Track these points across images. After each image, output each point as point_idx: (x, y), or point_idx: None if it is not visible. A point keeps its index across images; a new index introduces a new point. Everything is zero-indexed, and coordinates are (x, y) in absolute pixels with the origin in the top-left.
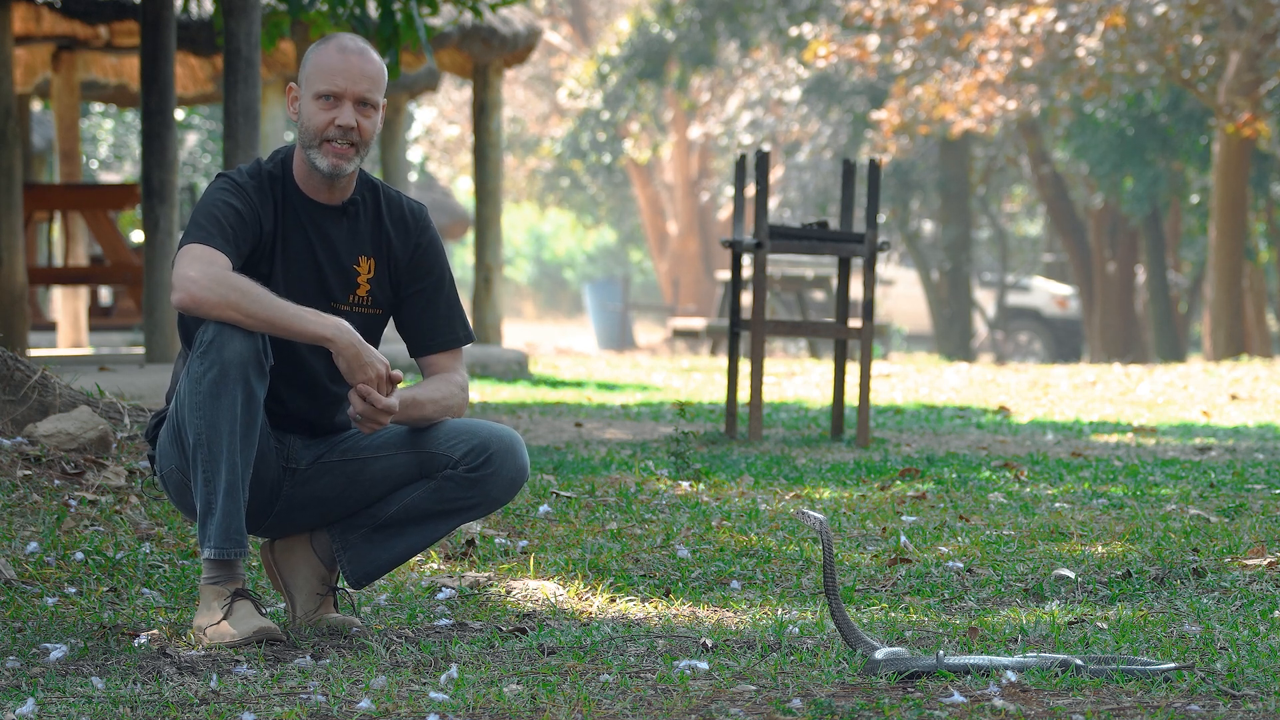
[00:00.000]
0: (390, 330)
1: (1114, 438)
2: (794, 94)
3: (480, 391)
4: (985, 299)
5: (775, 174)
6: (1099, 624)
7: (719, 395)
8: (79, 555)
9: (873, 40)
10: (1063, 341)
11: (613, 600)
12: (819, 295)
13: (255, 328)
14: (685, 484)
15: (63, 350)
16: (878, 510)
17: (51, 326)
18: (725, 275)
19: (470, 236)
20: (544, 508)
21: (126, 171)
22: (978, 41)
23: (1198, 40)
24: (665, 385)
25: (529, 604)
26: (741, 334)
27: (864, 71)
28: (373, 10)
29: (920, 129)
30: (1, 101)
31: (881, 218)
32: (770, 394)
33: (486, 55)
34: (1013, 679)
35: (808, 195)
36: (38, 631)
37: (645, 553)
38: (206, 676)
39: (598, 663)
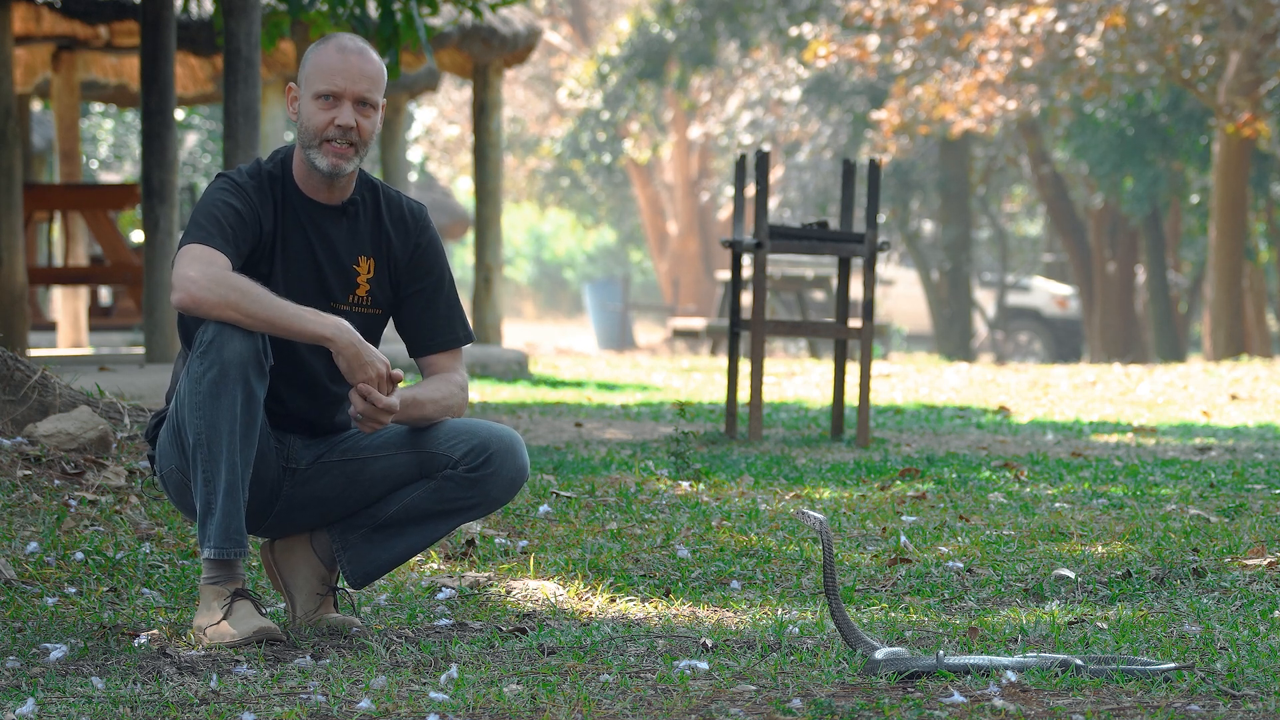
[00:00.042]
0: (390, 330)
1: (1114, 438)
2: (794, 94)
3: (480, 391)
4: (985, 299)
5: (775, 174)
6: (1099, 624)
7: (719, 395)
8: (79, 555)
9: (873, 40)
10: (1063, 341)
11: (613, 600)
12: (819, 295)
13: (255, 327)
14: (685, 484)
15: (63, 350)
16: (878, 510)
17: (51, 326)
18: (725, 275)
19: (470, 236)
20: (544, 508)
21: (126, 171)
22: (978, 41)
23: (1198, 40)
24: (665, 385)
25: (529, 604)
26: (741, 334)
27: (864, 71)
28: (373, 10)
29: (920, 129)
30: (1, 101)
31: (881, 218)
32: (770, 394)
33: (486, 55)
34: (1013, 679)
35: (808, 195)
36: (38, 631)
37: (645, 553)
38: (206, 676)
39: (598, 663)
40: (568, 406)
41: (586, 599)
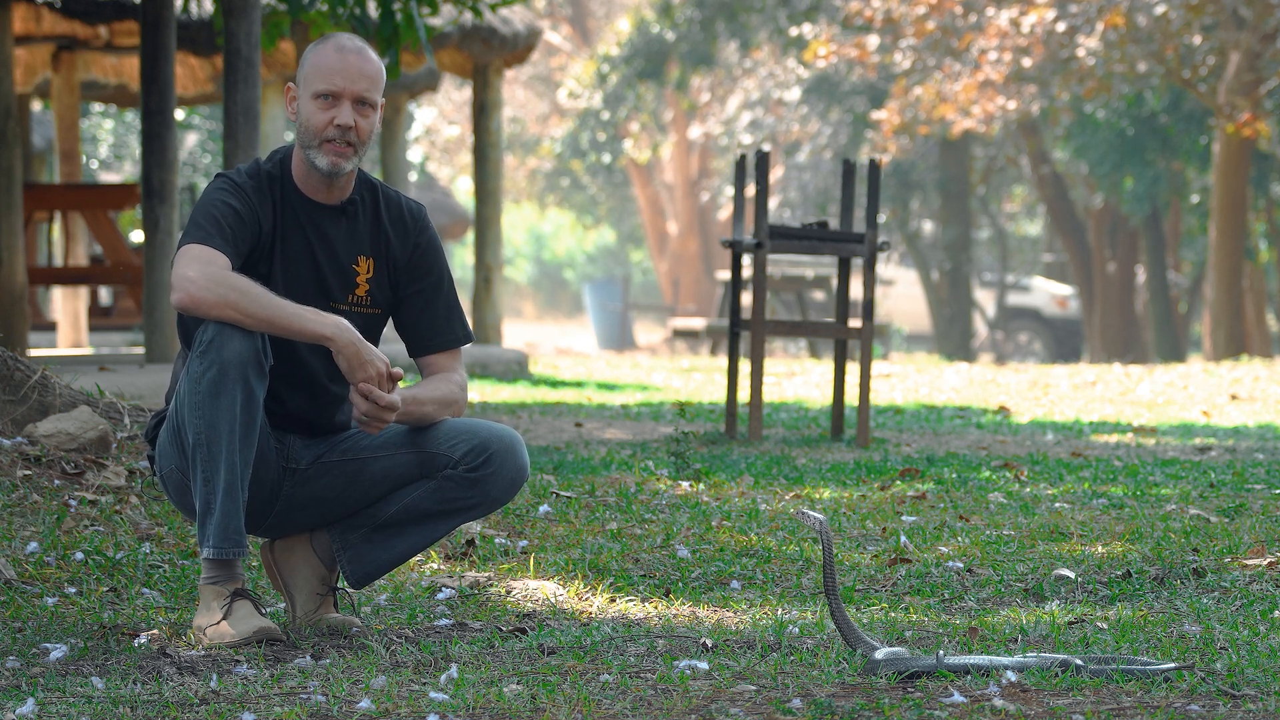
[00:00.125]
0: (389, 330)
1: (1114, 438)
2: (794, 94)
3: (480, 391)
4: (985, 299)
5: (775, 174)
6: (1099, 624)
7: (719, 395)
8: (79, 555)
9: (873, 40)
10: (1063, 341)
11: (613, 600)
12: (819, 295)
13: (254, 327)
14: (685, 484)
15: (63, 350)
16: (878, 510)
17: (51, 326)
18: (725, 275)
19: (470, 236)
20: (544, 508)
21: (126, 171)
22: (978, 41)
23: (1198, 40)
24: (665, 385)
25: (529, 604)
26: (741, 334)
27: (864, 71)
28: (373, 10)
29: (920, 129)
30: (1, 101)
31: (881, 218)
32: (770, 394)
33: (486, 55)
34: (1013, 679)
35: (808, 195)
36: (38, 631)
37: (645, 553)
38: (206, 676)
39: (598, 663)
40: (568, 406)
41: (586, 599)
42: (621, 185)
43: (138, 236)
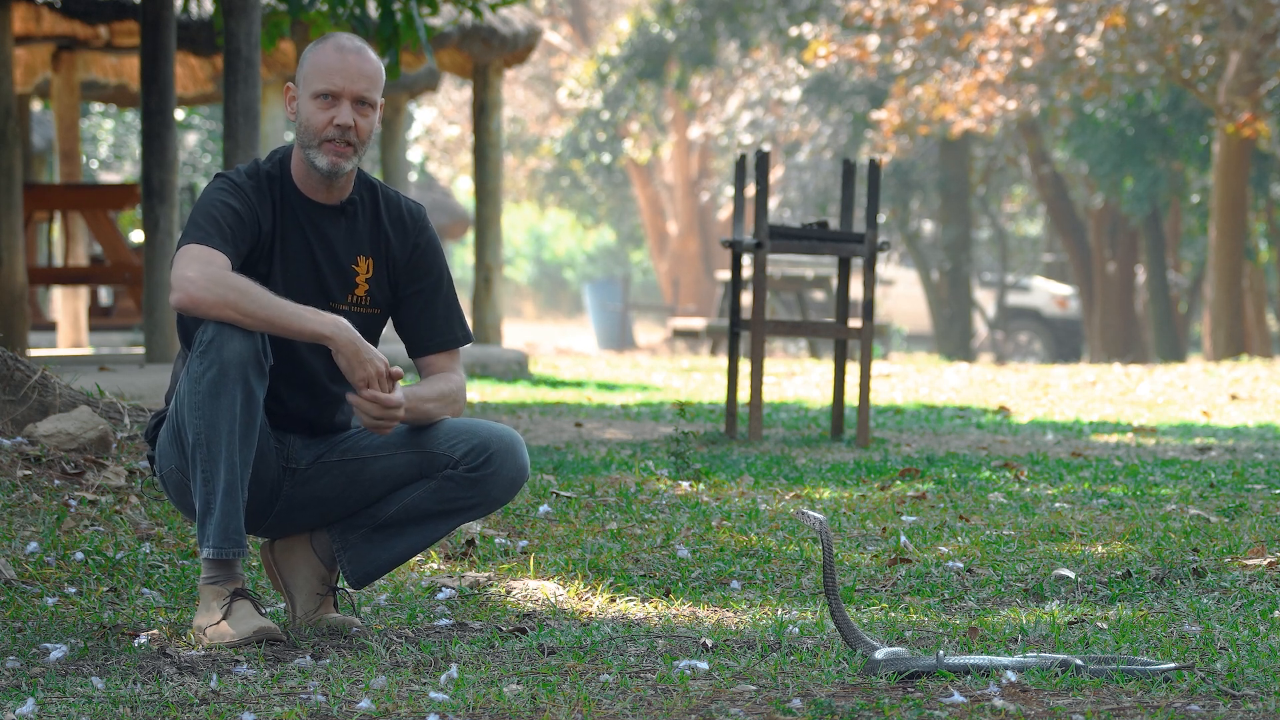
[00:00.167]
0: (388, 330)
1: (1114, 438)
2: (794, 94)
3: (480, 391)
4: (985, 299)
5: (775, 174)
6: (1099, 624)
7: (719, 395)
8: (79, 555)
9: (873, 40)
10: (1063, 341)
11: (613, 600)
12: (819, 295)
13: (254, 327)
14: (685, 484)
15: (63, 350)
16: (878, 510)
17: (51, 326)
18: (725, 275)
19: (470, 236)
20: (544, 508)
21: (126, 171)
22: (978, 41)
23: (1198, 40)
24: (665, 385)
25: (529, 604)
26: (741, 334)
27: (864, 71)
28: (373, 10)
29: (920, 129)
30: (1, 101)
31: (881, 218)
32: (770, 394)
33: (486, 55)
34: (1013, 679)
35: (808, 195)
36: (38, 631)
37: (645, 553)
38: (206, 676)
39: (598, 663)
40: (568, 406)
41: (586, 599)
42: (621, 185)
43: (138, 236)
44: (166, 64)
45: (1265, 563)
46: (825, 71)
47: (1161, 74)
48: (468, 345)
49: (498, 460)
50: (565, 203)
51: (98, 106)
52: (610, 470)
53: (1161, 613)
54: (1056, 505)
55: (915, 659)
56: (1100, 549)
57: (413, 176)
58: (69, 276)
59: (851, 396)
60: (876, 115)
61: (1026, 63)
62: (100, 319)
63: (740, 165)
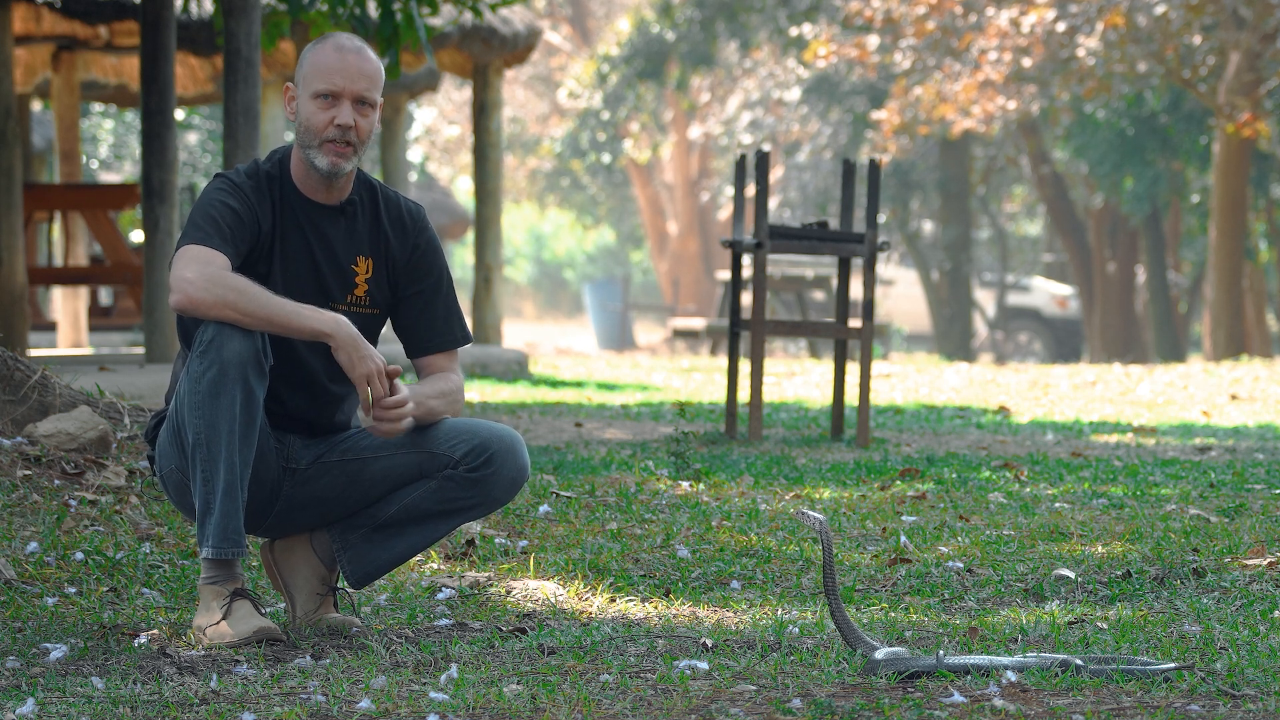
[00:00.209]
0: (386, 331)
1: (1114, 438)
2: (794, 94)
3: (480, 391)
4: (985, 299)
5: (775, 174)
6: (1099, 624)
7: (719, 395)
8: (79, 555)
9: (873, 40)
10: (1063, 341)
11: (613, 600)
12: (819, 295)
13: (254, 326)
14: (685, 484)
15: (63, 350)
16: (878, 510)
17: (51, 326)
18: (725, 275)
19: (470, 236)
20: (544, 508)
21: (126, 171)
22: (978, 41)
23: (1198, 40)
24: (665, 385)
25: (529, 604)
26: (741, 334)
27: (864, 71)
28: (373, 10)
29: (920, 129)
30: (1, 101)
31: (881, 218)
32: (770, 394)
33: (486, 55)
34: (1013, 679)
35: (808, 195)
36: (38, 631)
37: (645, 553)
38: (206, 676)
39: (598, 663)
40: (568, 406)
41: (586, 599)
42: (621, 185)
43: (138, 236)
44: (166, 64)
45: (1265, 563)
46: (825, 71)
47: (1161, 74)
48: (467, 346)
49: (498, 460)
50: (565, 203)
51: (98, 106)
52: (610, 470)
53: (1161, 613)
54: (1056, 505)
55: (915, 659)
56: (1100, 549)
57: (413, 176)
58: (69, 276)
59: (851, 396)
60: (876, 115)
61: (1026, 63)
62: (100, 319)
63: (740, 165)
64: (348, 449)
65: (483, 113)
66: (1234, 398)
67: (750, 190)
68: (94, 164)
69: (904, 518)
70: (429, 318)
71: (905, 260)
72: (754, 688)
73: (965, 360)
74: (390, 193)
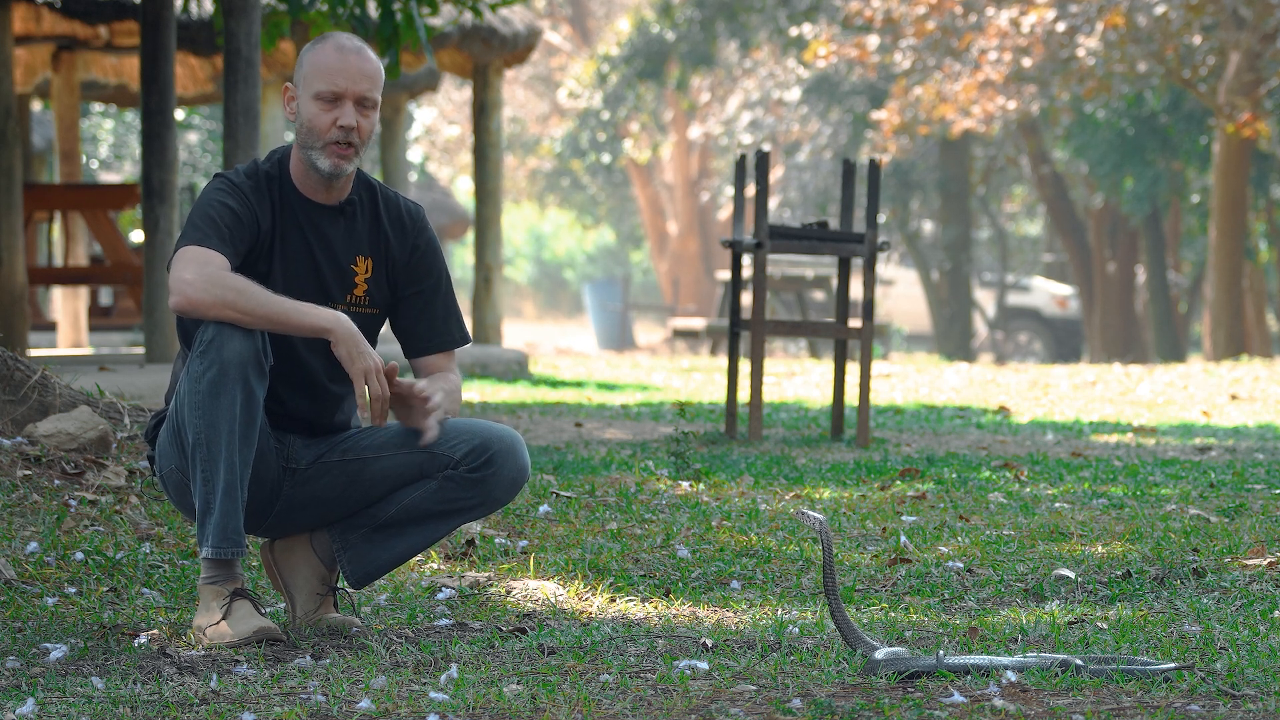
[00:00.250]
0: (385, 332)
1: (1114, 438)
2: (794, 94)
3: (480, 391)
4: (985, 299)
5: (775, 174)
6: (1099, 624)
7: (719, 395)
8: (79, 555)
9: (873, 40)
10: (1063, 341)
11: (613, 600)
12: (819, 295)
13: (254, 325)
14: (685, 484)
15: (63, 350)
16: (878, 510)
17: (51, 326)
18: (725, 275)
19: (470, 236)
20: (544, 508)
21: (126, 171)
22: (978, 41)
23: (1198, 40)
24: (665, 385)
25: (529, 604)
26: (741, 334)
27: (864, 71)
28: (373, 10)
29: (920, 129)
30: (1, 101)
31: (881, 218)
32: (770, 394)
33: (486, 55)
34: (1013, 679)
35: (808, 195)
36: (38, 631)
37: (645, 553)
38: (206, 676)
39: (598, 663)
40: (568, 406)
41: (586, 599)
42: (621, 185)
43: (138, 236)
44: (166, 64)
45: (1265, 563)
46: (825, 71)
47: (1161, 74)
48: (466, 346)
49: (499, 461)
50: (565, 203)
51: (98, 106)
52: (610, 470)
53: (1161, 613)
54: (1056, 505)
55: (915, 659)
56: (1100, 549)
57: (413, 176)
58: (69, 276)
59: (851, 396)
60: (876, 115)
61: (1026, 63)
62: (100, 319)
63: (740, 165)
64: (348, 449)
65: (483, 113)
66: (1234, 398)
67: (750, 190)
68: (94, 164)
69: (904, 518)
70: (428, 318)
71: (905, 260)
72: (754, 688)
73: (965, 360)
74: (390, 193)
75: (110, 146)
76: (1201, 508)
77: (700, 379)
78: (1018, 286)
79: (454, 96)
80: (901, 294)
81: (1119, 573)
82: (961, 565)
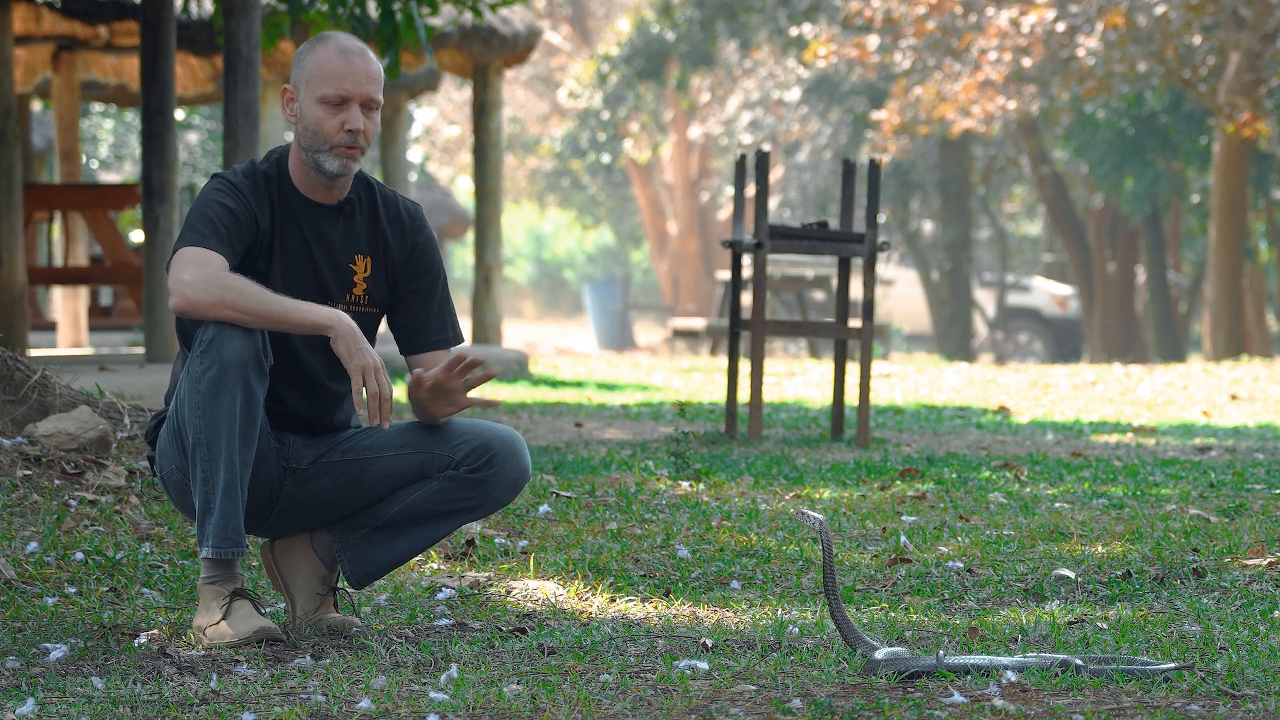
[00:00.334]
0: (384, 332)
1: (1114, 438)
2: (794, 94)
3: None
4: (985, 299)
5: (775, 174)
6: (1099, 624)
7: (719, 395)
8: (79, 555)
9: (873, 40)
10: (1063, 341)
11: (613, 600)
12: (819, 295)
13: (254, 324)
14: (685, 484)
15: (63, 350)
16: (878, 510)
17: (51, 326)
18: (725, 275)
19: (470, 236)
20: (544, 508)
21: (126, 171)
22: (978, 41)
23: (1198, 40)
24: (665, 385)
25: (529, 604)
26: (741, 334)
27: (864, 71)
28: (373, 10)
29: (920, 129)
30: (1, 101)
31: (881, 218)
32: (770, 394)
33: (486, 55)
34: (1013, 679)
35: (808, 195)
36: (38, 631)
37: (645, 553)
38: (206, 676)
39: (598, 663)
40: (568, 406)
41: (586, 599)
42: (621, 185)
43: (138, 236)
44: (166, 64)
45: (1265, 563)
46: (825, 71)
47: (1161, 74)
48: (461, 346)
49: (499, 461)
50: (565, 203)
51: (98, 106)
52: (610, 470)
53: (1161, 613)
54: (1056, 505)
55: (915, 659)
56: (1100, 549)
57: (413, 176)
58: (69, 276)
59: (851, 396)
60: (876, 115)
61: (1026, 63)
62: (100, 319)
63: (740, 165)
64: (349, 449)
65: (483, 113)
66: (1234, 398)
67: (750, 190)
68: (94, 164)
69: (904, 518)
70: (425, 315)
71: (905, 260)
72: (754, 688)
73: (965, 360)
74: (388, 191)
75: (110, 146)
76: (1201, 508)
77: (700, 379)
78: (1018, 286)
79: (454, 96)
80: (901, 294)
81: (1119, 573)
82: (961, 565)
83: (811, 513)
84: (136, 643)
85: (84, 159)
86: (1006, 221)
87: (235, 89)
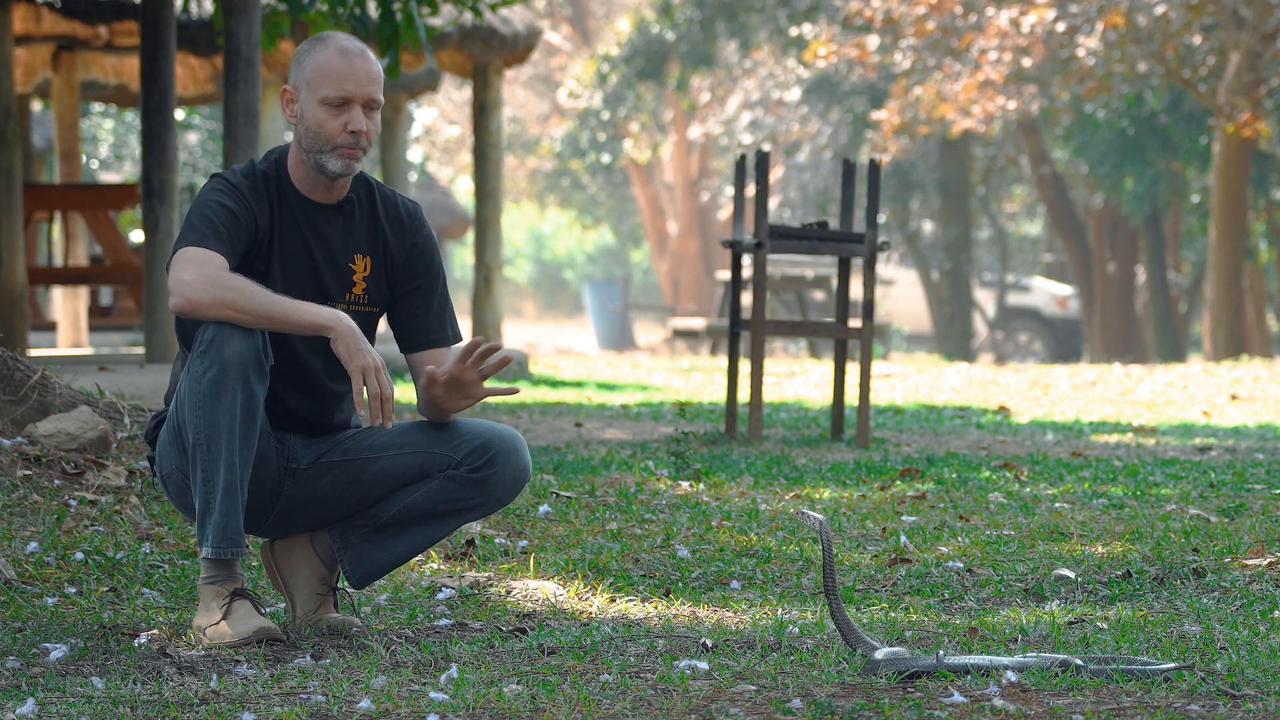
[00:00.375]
0: (384, 332)
1: (1114, 438)
2: (794, 94)
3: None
4: (985, 299)
5: (775, 174)
6: (1099, 624)
7: (719, 395)
8: (79, 555)
9: (873, 40)
10: (1063, 341)
11: (613, 600)
12: (819, 295)
13: (254, 324)
14: (685, 484)
15: (63, 350)
16: (878, 510)
17: (51, 326)
18: (725, 275)
19: (470, 236)
20: (544, 508)
21: (126, 171)
22: (978, 41)
23: (1198, 40)
24: (665, 385)
25: (529, 604)
26: (741, 334)
27: (864, 71)
28: (373, 10)
29: (920, 129)
30: (1, 101)
31: (881, 218)
32: (770, 394)
33: (486, 55)
34: (1013, 679)
35: (808, 195)
36: (38, 631)
37: (645, 553)
38: (206, 676)
39: (598, 663)
40: (568, 406)
41: (586, 599)
42: (621, 185)
43: (138, 236)
44: (166, 64)
45: (1265, 563)
46: (825, 71)
47: (1161, 74)
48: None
49: (500, 461)
50: (565, 203)
51: (98, 106)
52: (610, 470)
53: (1161, 613)
54: (1056, 505)
55: (915, 659)
56: (1100, 549)
57: (413, 176)
58: (69, 276)
59: (851, 396)
60: (876, 115)
61: (1026, 63)
62: (100, 319)
63: (740, 165)
64: (349, 449)
65: (483, 113)
66: (1234, 398)
67: (750, 190)
68: (94, 164)
69: (904, 518)
70: (425, 314)
71: (905, 260)
72: (754, 688)
73: (965, 360)
74: (387, 191)
75: (110, 146)
76: (1201, 508)
77: (700, 379)
78: (1018, 286)
79: (454, 96)
80: (901, 294)
81: (1119, 573)
82: (961, 565)
83: (811, 513)
84: (136, 643)
85: (84, 159)
86: (1006, 221)
87: (235, 89)
